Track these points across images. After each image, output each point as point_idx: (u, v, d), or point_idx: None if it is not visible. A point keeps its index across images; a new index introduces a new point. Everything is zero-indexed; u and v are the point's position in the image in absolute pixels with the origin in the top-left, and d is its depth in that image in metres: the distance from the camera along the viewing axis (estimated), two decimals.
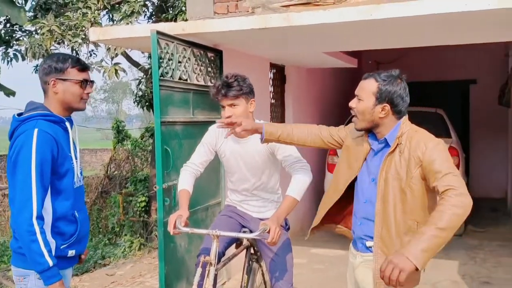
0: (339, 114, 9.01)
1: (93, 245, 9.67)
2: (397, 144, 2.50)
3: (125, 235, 9.35)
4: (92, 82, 2.73)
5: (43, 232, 2.43)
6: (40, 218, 2.44)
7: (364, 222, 2.65)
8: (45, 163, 2.46)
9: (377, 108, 2.51)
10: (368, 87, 2.54)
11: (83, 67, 2.66)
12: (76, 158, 2.69)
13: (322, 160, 8.05)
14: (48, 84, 2.61)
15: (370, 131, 2.63)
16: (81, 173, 2.77)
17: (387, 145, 2.56)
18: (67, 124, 2.65)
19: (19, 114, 2.60)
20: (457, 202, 2.28)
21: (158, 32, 4.11)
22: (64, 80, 2.60)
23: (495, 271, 5.84)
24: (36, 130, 2.46)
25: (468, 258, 6.38)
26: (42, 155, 2.45)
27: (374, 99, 2.51)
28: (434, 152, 2.41)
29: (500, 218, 8.58)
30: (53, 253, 2.52)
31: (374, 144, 2.62)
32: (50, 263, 2.42)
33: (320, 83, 8.67)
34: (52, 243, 2.54)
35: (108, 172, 11.63)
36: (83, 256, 2.83)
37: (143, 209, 9.39)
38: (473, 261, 6.24)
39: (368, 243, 2.61)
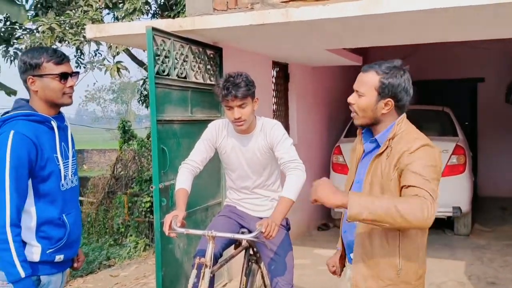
0: (345, 113, 8.91)
1: (99, 246, 9.67)
2: (387, 147, 2.29)
3: (131, 235, 9.33)
4: (77, 73, 2.57)
5: (16, 241, 2.31)
6: (15, 225, 2.32)
7: (348, 229, 2.48)
8: (20, 167, 2.33)
9: (380, 104, 2.29)
10: (369, 81, 2.31)
11: (61, 60, 2.48)
12: (66, 159, 2.57)
13: (327, 160, 7.97)
14: (27, 82, 2.48)
15: (366, 128, 2.44)
16: (74, 173, 2.63)
17: (377, 145, 2.37)
18: (53, 123, 2.51)
19: (7, 113, 2.48)
20: (419, 207, 2.06)
21: (154, 29, 4.04)
22: (41, 76, 2.46)
23: (502, 271, 5.72)
24: (12, 133, 2.34)
25: (475, 258, 6.26)
26: (17, 159, 2.32)
27: (376, 94, 2.28)
28: (414, 155, 2.19)
29: (508, 217, 8.44)
30: (38, 258, 2.44)
31: (366, 144, 2.44)
32: (22, 274, 2.31)
33: (325, 81, 8.58)
34: (38, 248, 2.45)
35: (115, 172, 11.61)
36: (75, 264, 2.74)
37: (148, 209, 9.35)
38: (480, 261, 6.12)
39: (352, 255, 2.43)
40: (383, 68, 2.31)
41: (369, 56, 10.56)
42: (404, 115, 2.37)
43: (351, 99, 2.38)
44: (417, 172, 2.14)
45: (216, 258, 3.28)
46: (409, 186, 2.14)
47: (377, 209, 2.05)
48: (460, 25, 4.54)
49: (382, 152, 2.31)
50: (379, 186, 2.28)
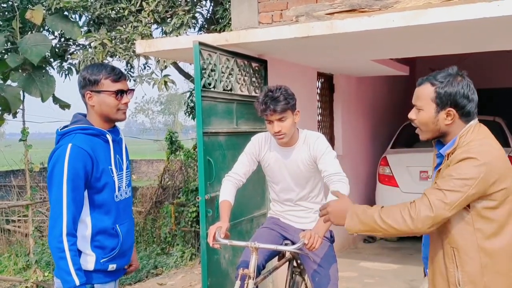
0: (391, 124, 8.80)
1: (147, 254, 9.84)
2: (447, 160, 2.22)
3: (177, 245, 9.46)
4: (132, 90, 2.67)
5: (72, 250, 2.40)
6: (71, 235, 2.41)
7: (425, 243, 2.51)
8: (77, 179, 2.43)
9: (441, 115, 2.22)
10: (424, 94, 2.24)
11: (118, 77, 2.58)
12: (121, 171, 2.66)
13: (373, 171, 7.87)
14: (85, 97, 2.58)
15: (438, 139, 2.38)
16: (128, 185, 2.72)
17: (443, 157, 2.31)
18: (108, 136, 2.61)
19: (65, 127, 2.60)
20: (398, 214, 2.17)
21: (201, 43, 4.12)
22: (99, 92, 2.56)
23: None
24: (69, 145, 2.44)
25: None
26: (74, 171, 2.42)
27: (434, 105, 2.21)
28: (452, 168, 2.13)
29: None
30: (93, 266, 2.52)
31: (438, 158, 2.39)
32: (77, 282, 2.39)
33: (371, 91, 8.50)
34: (92, 257, 2.53)
35: (162, 183, 11.81)
36: (128, 268, 2.80)
37: (194, 219, 9.46)
38: None
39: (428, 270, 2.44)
40: (438, 77, 2.24)
41: (416, 65, 10.39)
42: (471, 124, 2.25)
43: (412, 114, 2.32)
44: (440, 182, 2.14)
45: (259, 269, 3.30)
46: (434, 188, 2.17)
47: (366, 219, 2.20)
48: (509, 34, 4.42)
49: (443, 166, 2.24)
50: None
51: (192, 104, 9.79)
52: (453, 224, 2.17)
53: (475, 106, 2.25)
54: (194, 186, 10.11)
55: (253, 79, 4.93)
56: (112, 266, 2.60)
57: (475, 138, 2.19)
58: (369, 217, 2.19)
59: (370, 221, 2.18)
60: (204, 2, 8.59)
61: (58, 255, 2.39)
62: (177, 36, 6.95)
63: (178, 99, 48.70)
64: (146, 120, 63.76)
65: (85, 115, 2.65)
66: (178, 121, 56.44)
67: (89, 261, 2.53)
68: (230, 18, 7.19)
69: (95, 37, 6.93)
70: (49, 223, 2.44)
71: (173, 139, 11.81)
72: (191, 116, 10.09)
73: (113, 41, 7.03)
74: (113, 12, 7.71)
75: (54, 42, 8.02)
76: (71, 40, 7.79)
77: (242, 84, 4.75)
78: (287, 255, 3.61)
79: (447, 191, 2.09)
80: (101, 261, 2.55)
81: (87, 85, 2.57)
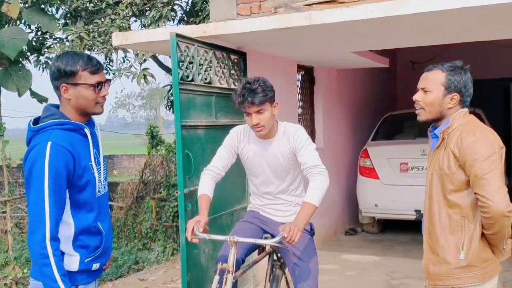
0: (372, 116, 8.81)
1: (128, 250, 9.77)
2: (443, 138, 2.51)
3: (159, 240, 9.41)
4: (108, 81, 2.50)
5: (56, 255, 2.27)
6: (54, 239, 2.28)
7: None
8: (59, 179, 2.29)
9: (446, 99, 2.52)
10: (435, 78, 2.54)
11: (96, 69, 2.41)
12: (98, 165, 2.54)
13: (354, 164, 7.88)
14: (59, 89, 2.41)
15: (433, 125, 2.66)
16: (105, 179, 2.60)
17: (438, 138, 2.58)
18: (87, 130, 2.46)
19: (36, 119, 2.45)
20: (487, 223, 2.41)
21: (178, 35, 4.06)
22: (75, 84, 2.39)
23: None
24: (49, 144, 2.29)
25: None
26: (55, 171, 2.27)
27: (443, 89, 2.52)
28: (467, 151, 2.39)
29: None
30: (77, 267, 2.42)
31: (433, 141, 2.66)
32: None
33: (352, 84, 8.50)
34: (76, 257, 2.42)
35: (143, 178, 11.71)
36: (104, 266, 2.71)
37: (176, 214, 9.40)
38: None
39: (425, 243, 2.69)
40: (447, 66, 2.56)
41: (397, 57, 10.42)
42: (463, 110, 2.56)
43: (417, 96, 2.60)
44: (473, 167, 2.38)
45: (239, 263, 3.27)
46: (477, 179, 2.39)
47: None
48: (488, 24, 4.44)
49: (440, 144, 2.54)
50: (438, 177, 2.51)
51: (172, 98, 9.70)
52: (467, 198, 2.48)
53: (471, 97, 2.58)
54: (176, 180, 10.03)
55: (232, 71, 4.88)
56: (95, 265, 2.50)
57: (467, 122, 2.51)
58: None
59: None
60: None
61: (42, 262, 2.26)
62: (155, 28, 6.87)
63: (160, 93, 48.35)
64: (128, 115, 63.21)
65: (57, 106, 2.49)
66: (160, 115, 56.15)
67: (73, 262, 2.42)
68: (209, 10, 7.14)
69: (72, 30, 6.82)
70: (29, 227, 2.30)
71: (154, 133, 11.71)
72: (171, 110, 10.01)
73: (90, 34, 6.93)
74: (91, 4, 7.60)
75: (31, 35, 7.90)
76: (48, 34, 7.66)
77: (221, 77, 4.70)
78: (267, 248, 3.58)
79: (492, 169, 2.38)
80: (85, 260, 2.45)
81: (62, 76, 2.39)
